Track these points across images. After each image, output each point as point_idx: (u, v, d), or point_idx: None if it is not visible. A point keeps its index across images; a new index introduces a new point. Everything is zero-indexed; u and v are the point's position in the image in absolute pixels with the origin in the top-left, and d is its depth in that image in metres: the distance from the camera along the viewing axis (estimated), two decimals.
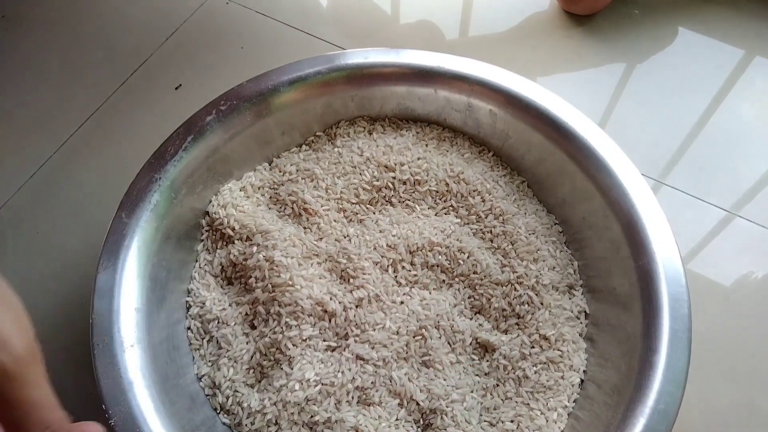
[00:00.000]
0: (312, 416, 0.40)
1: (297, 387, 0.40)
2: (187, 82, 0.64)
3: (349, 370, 0.42)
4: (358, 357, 0.42)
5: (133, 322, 0.39)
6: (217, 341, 0.43)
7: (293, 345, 0.42)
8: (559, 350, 0.43)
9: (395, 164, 0.49)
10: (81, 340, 0.49)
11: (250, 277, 0.45)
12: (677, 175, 0.58)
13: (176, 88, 0.63)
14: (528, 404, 0.42)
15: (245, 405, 0.41)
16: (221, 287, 0.46)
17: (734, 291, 0.52)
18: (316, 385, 0.41)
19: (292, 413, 0.40)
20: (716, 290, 0.52)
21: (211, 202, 0.48)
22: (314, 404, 0.41)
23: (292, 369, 0.41)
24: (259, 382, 0.42)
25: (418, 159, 0.50)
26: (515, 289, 0.45)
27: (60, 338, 0.50)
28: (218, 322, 0.44)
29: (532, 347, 0.44)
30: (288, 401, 0.40)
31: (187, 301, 0.45)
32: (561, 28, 0.69)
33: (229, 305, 0.45)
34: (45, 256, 0.54)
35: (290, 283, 0.43)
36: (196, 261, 0.47)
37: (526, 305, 0.45)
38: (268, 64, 0.52)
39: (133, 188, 0.43)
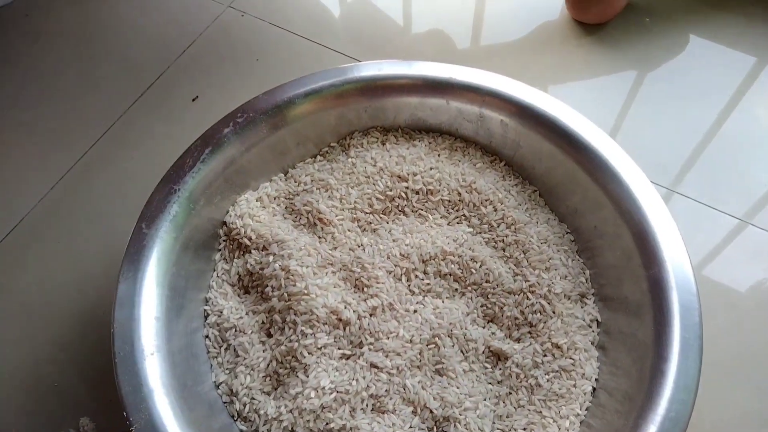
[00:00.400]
0: (327, 423, 0.41)
1: (312, 395, 0.41)
2: (203, 93, 0.65)
3: (364, 378, 0.42)
4: (372, 365, 0.43)
5: (153, 331, 0.40)
6: (235, 349, 0.44)
7: (309, 353, 0.43)
8: (571, 359, 0.44)
9: (408, 174, 0.50)
10: (101, 348, 0.50)
11: (267, 286, 0.46)
12: (689, 183, 0.59)
13: (193, 100, 0.64)
14: (540, 412, 0.42)
15: (262, 412, 0.42)
16: (238, 296, 0.47)
17: (747, 298, 0.52)
18: (331, 393, 0.41)
19: (308, 420, 0.41)
20: (728, 298, 0.52)
21: (228, 212, 0.49)
22: (329, 411, 0.41)
23: (307, 377, 0.42)
24: (276, 389, 0.43)
25: (431, 169, 0.50)
26: (527, 297, 0.46)
27: (81, 346, 0.51)
28: (235, 331, 0.45)
29: (545, 355, 0.44)
30: (304, 408, 0.41)
31: (205, 310, 0.46)
32: (571, 36, 0.69)
33: (246, 314, 0.46)
34: (66, 266, 0.55)
35: (305, 292, 0.44)
36: (214, 270, 0.48)
37: (539, 314, 0.45)
38: (283, 75, 0.53)
39: (152, 199, 0.44)
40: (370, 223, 0.50)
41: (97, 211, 0.58)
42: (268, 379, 0.43)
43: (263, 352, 0.44)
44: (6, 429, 0.48)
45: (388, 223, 0.50)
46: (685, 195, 0.58)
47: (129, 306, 0.40)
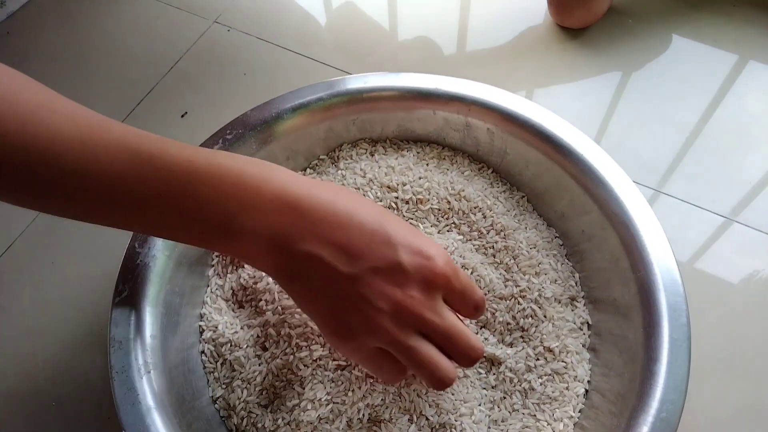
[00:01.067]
0: None
1: (309, 406, 0.42)
2: (192, 109, 0.66)
3: (359, 388, 0.43)
4: (368, 375, 0.43)
5: (149, 349, 0.41)
6: (231, 364, 0.45)
7: (304, 365, 0.43)
8: (563, 361, 0.44)
9: (397, 184, 0.51)
10: (99, 366, 0.51)
11: (260, 300, 0.46)
12: (675, 183, 0.59)
13: (182, 116, 0.65)
14: (535, 415, 0.43)
15: (260, 425, 0.42)
16: (233, 311, 0.47)
17: (735, 294, 0.53)
18: (327, 404, 0.42)
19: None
20: (717, 295, 0.53)
21: None
22: (326, 423, 0.42)
23: (303, 389, 0.42)
24: (272, 402, 0.44)
25: (420, 178, 0.51)
26: (519, 302, 0.46)
27: (79, 364, 0.51)
28: (231, 345, 0.45)
29: (537, 359, 0.45)
30: (301, 420, 0.42)
31: (200, 326, 0.46)
32: (556, 41, 0.70)
33: (241, 328, 0.46)
34: (60, 285, 0.56)
35: None
36: (208, 286, 0.48)
37: (530, 318, 0.46)
38: (271, 89, 0.54)
39: None
40: None
41: (90, 230, 0.58)
42: (264, 392, 0.44)
43: (259, 365, 0.44)
44: None
45: None
46: (671, 195, 0.59)
47: (125, 325, 0.41)
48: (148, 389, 0.39)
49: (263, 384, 0.44)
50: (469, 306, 0.38)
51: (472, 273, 0.47)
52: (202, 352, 0.46)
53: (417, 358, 0.35)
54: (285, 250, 0.34)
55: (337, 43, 0.72)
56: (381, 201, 0.51)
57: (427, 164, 0.53)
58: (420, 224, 0.50)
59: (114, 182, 0.33)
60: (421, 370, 0.35)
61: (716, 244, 0.56)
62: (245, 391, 0.44)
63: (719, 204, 0.58)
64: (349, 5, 0.75)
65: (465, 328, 0.36)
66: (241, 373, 0.44)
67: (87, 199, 0.34)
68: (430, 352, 0.35)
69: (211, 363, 0.45)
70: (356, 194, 0.37)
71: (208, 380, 0.45)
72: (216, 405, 0.44)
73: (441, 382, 0.36)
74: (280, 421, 0.42)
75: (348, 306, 0.34)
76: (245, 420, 0.43)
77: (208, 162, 0.34)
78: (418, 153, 0.54)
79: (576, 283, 0.48)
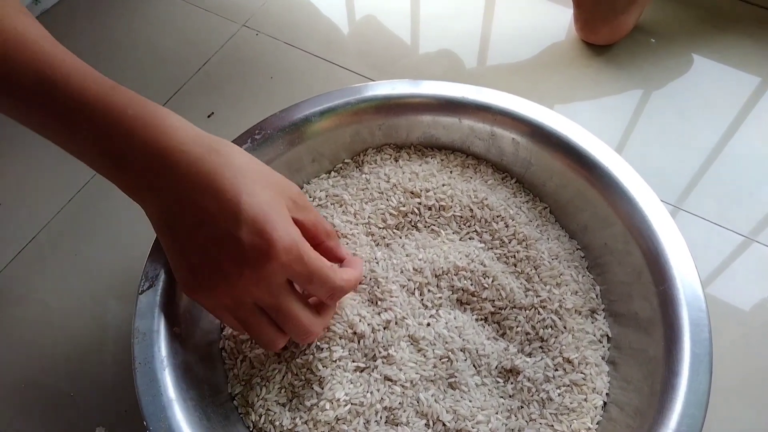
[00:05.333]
0: None
1: (327, 406, 0.42)
2: (218, 110, 0.66)
3: (378, 390, 0.43)
4: (387, 378, 0.43)
5: (172, 342, 0.41)
6: (251, 361, 0.45)
7: (323, 366, 0.43)
8: (582, 373, 0.44)
9: (421, 190, 0.51)
10: (117, 359, 0.51)
11: None
12: (694, 200, 0.59)
13: (209, 117, 0.66)
14: (552, 426, 0.43)
15: (277, 423, 0.42)
16: None
17: (752, 315, 0.53)
18: (345, 405, 0.42)
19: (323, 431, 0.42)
20: (734, 315, 0.53)
21: None
22: (344, 423, 0.42)
23: (322, 389, 0.42)
24: (291, 401, 0.44)
25: (443, 185, 0.51)
26: (539, 312, 0.46)
27: (97, 356, 0.52)
28: (251, 343, 0.45)
29: (556, 370, 0.45)
30: (319, 420, 0.42)
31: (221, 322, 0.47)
32: (580, 57, 0.71)
33: None
34: (84, 277, 0.56)
35: None
36: None
37: (550, 329, 0.46)
38: (296, 92, 0.55)
39: None
40: (384, 237, 0.50)
41: (115, 223, 0.59)
42: (283, 390, 0.44)
43: (279, 364, 0.45)
44: None
45: (401, 238, 0.51)
46: (690, 212, 0.59)
47: (149, 317, 0.41)
48: (169, 382, 0.39)
49: (282, 382, 0.44)
50: (320, 291, 0.40)
51: (492, 282, 0.47)
52: (222, 348, 0.46)
53: (248, 325, 0.39)
54: (156, 196, 0.36)
55: (360, 52, 0.72)
56: (404, 206, 0.51)
57: (451, 171, 0.53)
58: (442, 230, 0.51)
59: (25, 95, 0.35)
60: (253, 336, 0.40)
61: (735, 263, 0.56)
62: (264, 389, 0.44)
63: (739, 223, 0.58)
64: (370, 18, 0.76)
65: (298, 310, 0.39)
66: (260, 370, 0.45)
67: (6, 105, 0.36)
68: (259, 321, 0.39)
69: (230, 360, 0.46)
70: (231, 153, 0.38)
71: (228, 377, 0.45)
72: (235, 401, 0.44)
73: (267, 346, 0.41)
74: (298, 420, 0.42)
75: (196, 263, 0.37)
76: (263, 417, 0.43)
77: (106, 96, 0.36)
78: (442, 160, 0.54)
79: (597, 296, 0.48)
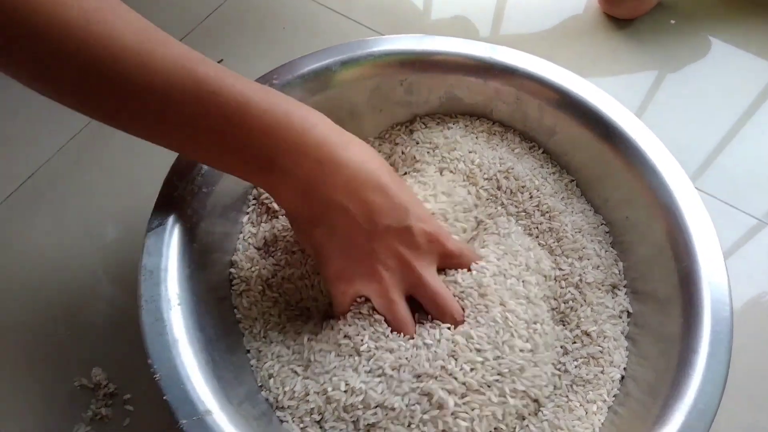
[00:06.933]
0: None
1: (342, 386, 0.40)
2: (228, 58, 0.64)
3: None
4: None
5: (180, 283, 0.39)
6: (264, 314, 0.43)
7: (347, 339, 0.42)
8: (599, 346, 0.43)
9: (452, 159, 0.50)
10: (115, 300, 0.50)
11: (294, 251, 0.45)
12: (707, 180, 0.59)
13: (218, 62, 0.63)
14: (567, 396, 0.42)
15: (287, 389, 0.41)
16: (264, 260, 0.46)
17: (759, 300, 0.52)
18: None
19: (335, 408, 0.40)
20: (740, 298, 0.52)
21: None
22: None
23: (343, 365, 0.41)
24: (306, 369, 0.42)
25: (470, 152, 0.50)
26: (560, 285, 0.45)
27: (94, 298, 0.50)
28: (265, 296, 0.44)
29: (574, 342, 0.44)
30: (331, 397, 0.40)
31: (230, 272, 0.45)
32: (599, 30, 0.69)
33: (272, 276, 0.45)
34: (83, 216, 0.55)
35: None
36: (240, 233, 0.47)
37: (570, 302, 0.45)
38: (311, 44, 0.52)
39: None
40: None
41: (117, 164, 0.57)
42: (299, 356, 0.42)
43: (302, 325, 0.43)
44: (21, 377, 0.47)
45: None
46: (702, 190, 0.58)
47: (157, 256, 0.39)
48: (175, 322, 0.38)
49: (298, 345, 0.43)
50: (463, 264, 0.43)
51: None
52: (234, 304, 0.45)
53: (393, 312, 0.40)
54: (316, 195, 0.37)
55: (372, 10, 0.70)
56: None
57: (477, 138, 0.51)
58: None
59: (165, 96, 0.34)
60: (392, 322, 0.41)
61: (747, 246, 0.56)
62: (280, 345, 0.42)
63: (753, 206, 0.57)
64: None
65: (449, 293, 0.41)
66: (278, 331, 0.43)
67: (136, 109, 0.34)
68: (405, 311, 0.41)
69: (239, 312, 0.44)
70: (380, 159, 0.40)
71: (243, 331, 0.44)
72: (249, 355, 0.43)
73: (399, 331, 0.41)
74: (310, 386, 0.40)
75: (358, 255, 0.39)
76: (274, 379, 0.41)
77: (259, 98, 0.36)
78: (466, 126, 0.52)
79: (619, 272, 0.47)
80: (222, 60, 0.63)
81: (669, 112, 0.63)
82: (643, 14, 0.69)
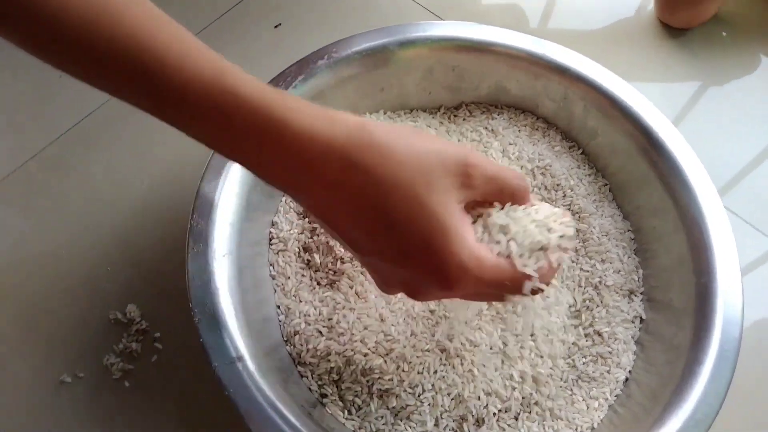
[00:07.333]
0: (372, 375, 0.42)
1: (361, 348, 0.43)
2: (286, 22, 0.65)
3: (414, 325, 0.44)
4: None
5: (227, 235, 0.42)
6: (297, 274, 0.46)
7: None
8: (609, 347, 0.45)
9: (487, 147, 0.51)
10: (160, 244, 0.53)
11: None
12: (733, 198, 0.59)
13: (275, 27, 0.64)
14: (571, 389, 0.44)
15: (311, 346, 0.43)
16: (302, 224, 0.48)
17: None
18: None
19: (354, 369, 0.43)
20: (750, 319, 0.53)
21: None
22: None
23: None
24: (330, 330, 0.44)
25: (510, 144, 0.51)
26: (580, 284, 0.47)
27: (139, 238, 0.53)
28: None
29: (585, 339, 0.46)
30: (352, 359, 0.43)
31: (270, 232, 0.47)
32: (651, 36, 0.69)
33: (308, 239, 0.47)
34: (138, 158, 0.57)
35: None
36: (283, 196, 0.49)
37: (587, 301, 0.47)
38: (369, 19, 0.53)
39: None
40: None
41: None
42: (322, 316, 0.45)
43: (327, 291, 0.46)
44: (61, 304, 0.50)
45: None
46: (727, 208, 0.58)
47: (209, 207, 0.42)
48: (218, 273, 0.40)
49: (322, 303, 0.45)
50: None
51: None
52: (270, 261, 0.47)
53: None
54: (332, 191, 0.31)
55: None
56: None
57: (519, 131, 0.53)
58: None
59: (187, 99, 0.29)
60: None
61: (763, 268, 0.57)
62: (307, 306, 0.45)
63: None
64: None
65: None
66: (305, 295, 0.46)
67: (162, 105, 0.30)
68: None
69: (273, 270, 0.46)
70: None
71: (275, 288, 0.46)
72: (278, 310, 0.45)
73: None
74: (332, 347, 0.43)
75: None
76: (299, 335, 0.44)
77: (280, 107, 0.29)
78: (510, 118, 0.54)
79: (638, 278, 0.48)
80: (279, 24, 0.65)
81: (706, 124, 0.64)
82: (697, 25, 0.69)
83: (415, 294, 0.33)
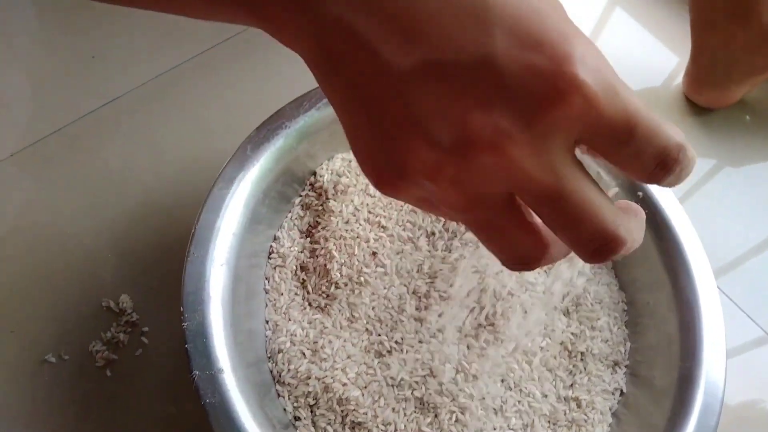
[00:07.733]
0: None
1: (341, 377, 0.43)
2: None
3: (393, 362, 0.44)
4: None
5: (228, 245, 0.42)
6: (290, 291, 0.46)
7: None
8: (585, 415, 0.45)
9: None
10: (162, 241, 0.53)
11: (333, 240, 0.47)
12: (728, 281, 0.59)
13: None
14: None
15: (292, 367, 0.44)
16: (303, 244, 0.49)
17: (748, 412, 0.54)
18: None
19: (330, 398, 0.43)
20: (729, 403, 0.53)
21: (322, 164, 0.51)
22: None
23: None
24: (314, 353, 0.45)
25: None
26: (566, 348, 0.48)
27: (146, 232, 0.54)
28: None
29: (564, 403, 0.46)
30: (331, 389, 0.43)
31: (271, 246, 0.48)
32: (674, 110, 0.69)
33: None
34: (152, 152, 0.58)
35: None
36: (290, 212, 0.49)
37: (571, 366, 0.47)
38: None
39: (263, 127, 0.46)
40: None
41: (201, 109, 0.60)
42: (307, 341, 0.45)
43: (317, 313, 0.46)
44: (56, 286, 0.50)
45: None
46: (720, 288, 0.58)
47: (215, 214, 0.42)
48: (214, 281, 0.41)
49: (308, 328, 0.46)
50: (644, 157, 0.21)
51: (525, 312, 0.47)
52: (266, 277, 0.47)
53: (492, 229, 0.23)
54: (311, 14, 0.20)
55: None
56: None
57: None
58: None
59: None
60: (499, 248, 0.23)
61: (747, 355, 0.56)
62: (295, 326, 0.45)
63: (765, 319, 0.58)
64: None
65: (597, 200, 0.22)
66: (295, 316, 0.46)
67: None
68: (512, 222, 0.22)
69: (268, 284, 0.47)
70: None
71: (266, 302, 0.46)
72: (267, 325, 0.46)
73: (521, 263, 0.24)
74: (313, 371, 0.43)
75: (386, 123, 0.20)
76: (283, 354, 0.44)
77: None
78: None
79: (625, 351, 0.49)
80: None
81: (713, 202, 0.64)
82: (722, 108, 0.69)
83: (465, 144, 0.19)
